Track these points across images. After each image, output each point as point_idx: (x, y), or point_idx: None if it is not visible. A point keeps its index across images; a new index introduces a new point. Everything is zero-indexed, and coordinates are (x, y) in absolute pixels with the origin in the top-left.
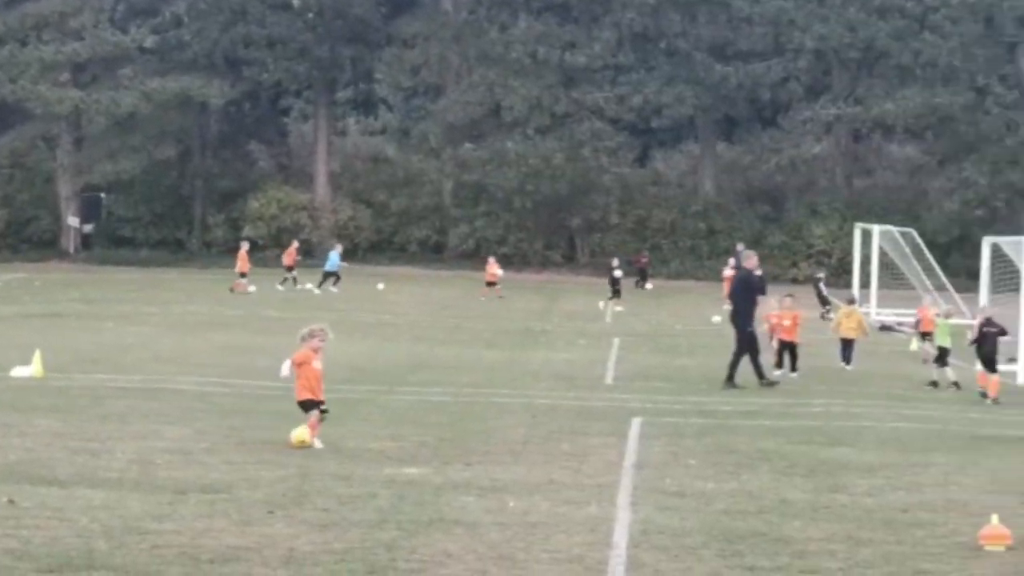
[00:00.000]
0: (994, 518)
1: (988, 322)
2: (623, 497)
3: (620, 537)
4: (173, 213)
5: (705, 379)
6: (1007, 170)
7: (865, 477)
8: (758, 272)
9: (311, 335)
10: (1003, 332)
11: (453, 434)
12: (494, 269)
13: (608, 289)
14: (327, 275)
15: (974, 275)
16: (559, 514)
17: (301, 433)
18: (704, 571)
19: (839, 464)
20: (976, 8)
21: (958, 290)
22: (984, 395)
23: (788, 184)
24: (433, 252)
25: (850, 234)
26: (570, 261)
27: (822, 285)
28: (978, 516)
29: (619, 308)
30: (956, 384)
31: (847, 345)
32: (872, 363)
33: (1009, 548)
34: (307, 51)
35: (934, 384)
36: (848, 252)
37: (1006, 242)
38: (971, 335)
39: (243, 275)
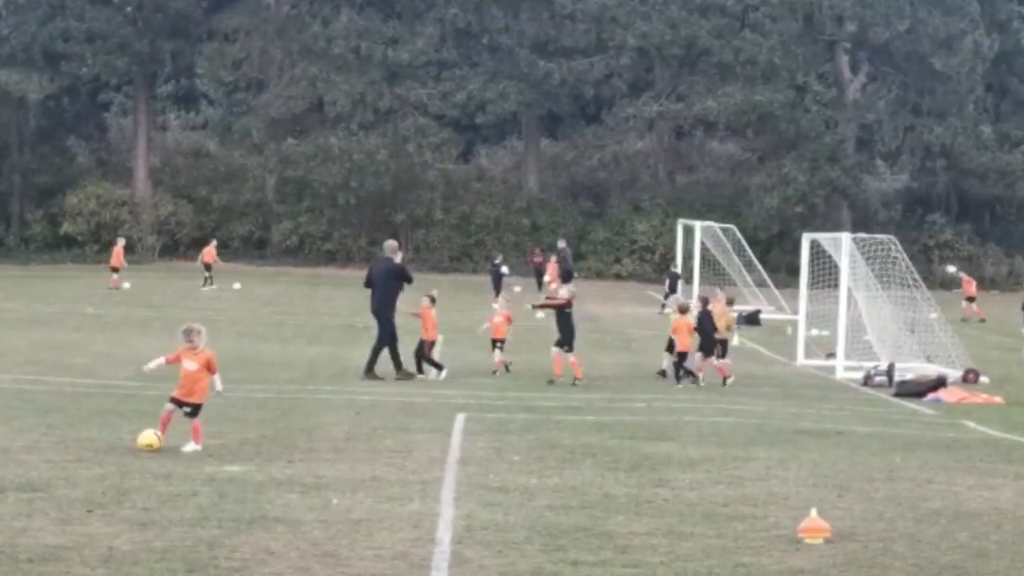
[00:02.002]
0: (813, 511)
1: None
2: (447, 493)
3: (444, 533)
4: None
5: (530, 375)
6: (826, 167)
7: (687, 472)
8: (397, 259)
9: (184, 333)
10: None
11: (275, 431)
12: None
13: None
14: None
15: (794, 271)
16: (382, 511)
17: (146, 437)
18: (527, 566)
19: (662, 459)
20: (796, 7)
21: (778, 286)
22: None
23: (611, 180)
24: (256, 248)
25: (673, 230)
26: None
27: (679, 282)
28: (798, 509)
29: (496, 305)
30: (694, 378)
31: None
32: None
33: (827, 540)
34: (127, 45)
35: (663, 374)
36: (671, 248)
37: (825, 238)
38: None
39: (115, 270)
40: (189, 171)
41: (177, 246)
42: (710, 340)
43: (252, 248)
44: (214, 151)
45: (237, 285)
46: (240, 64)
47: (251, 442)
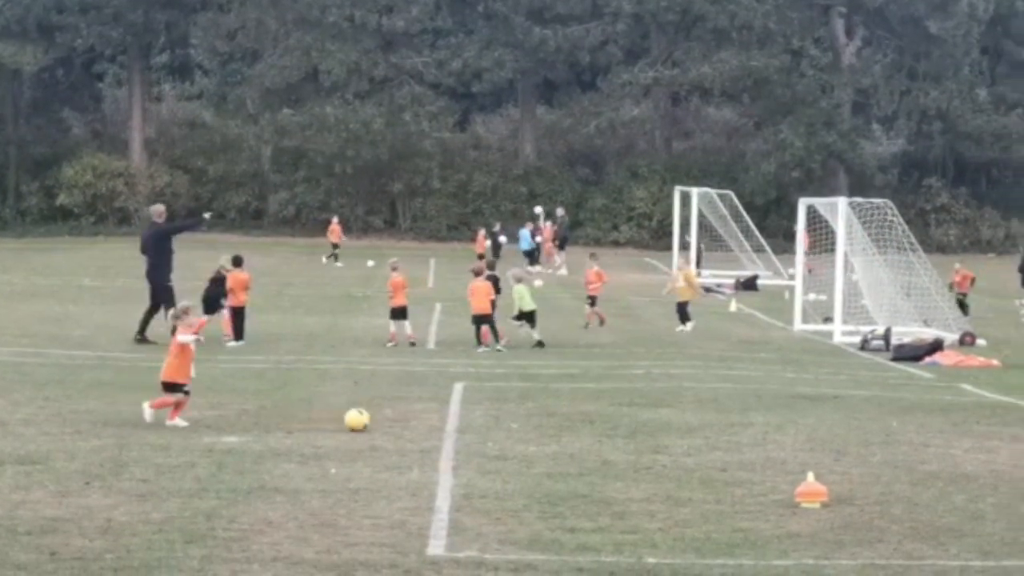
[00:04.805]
0: (810, 475)
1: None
2: (445, 462)
3: (442, 501)
4: None
5: (526, 343)
6: (822, 132)
7: (685, 438)
8: (161, 221)
9: (185, 312)
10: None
11: (274, 402)
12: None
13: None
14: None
15: (791, 236)
16: (381, 480)
17: (354, 418)
18: (526, 533)
19: (660, 425)
20: None
21: (775, 251)
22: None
23: (608, 147)
24: (253, 218)
25: (670, 196)
26: (391, 226)
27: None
28: (795, 474)
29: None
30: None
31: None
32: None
33: (824, 505)
34: (121, 16)
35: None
36: (668, 214)
37: (821, 203)
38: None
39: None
40: (184, 142)
41: (173, 217)
42: None
43: (248, 219)
44: (209, 121)
45: (371, 262)
46: (235, 34)
47: (249, 413)
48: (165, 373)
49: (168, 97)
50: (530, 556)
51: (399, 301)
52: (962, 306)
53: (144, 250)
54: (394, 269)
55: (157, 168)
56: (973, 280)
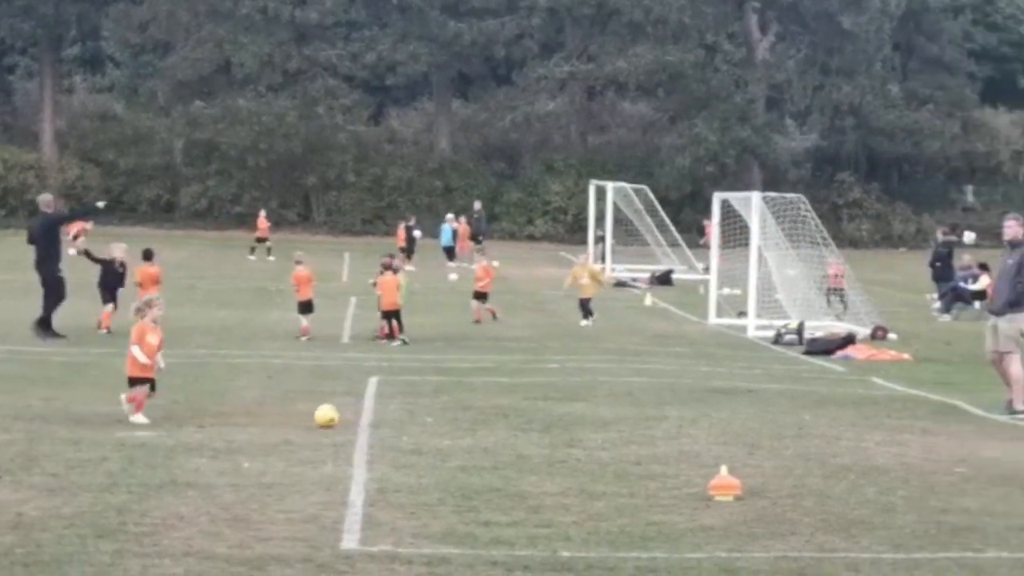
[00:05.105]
0: (723, 469)
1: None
2: (359, 456)
3: (356, 496)
4: None
5: (443, 337)
6: (736, 127)
7: (600, 431)
8: (50, 211)
9: (148, 306)
10: None
11: (186, 396)
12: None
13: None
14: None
15: (703, 231)
16: (295, 474)
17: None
18: (440, 527)
19: (574, 419)
20: None
21: (690, 246)
22: None
23: (524, 141)
24: (164, 211)
25: (585, 191)
26: (305, 220)
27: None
28: (708, 467)
29: (411, 268)
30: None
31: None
32: (606, 319)
33: (737, 498)
34: (32, 8)
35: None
36: (583, 209)
37: (736, 197)
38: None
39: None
40: (96, 134)
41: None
42: None
43: (160, 212)
44: (121, 114)
45: (454, 276)
46: (146, 26)
47: (161, 407)
48: (129, 368)
49: (79, 89)
50: (444, 550)
51: (305, 295)
52: (838, 300)
53: (31, 241)
54: (298, 263)
55: (68, 161)
56: (843, 275)
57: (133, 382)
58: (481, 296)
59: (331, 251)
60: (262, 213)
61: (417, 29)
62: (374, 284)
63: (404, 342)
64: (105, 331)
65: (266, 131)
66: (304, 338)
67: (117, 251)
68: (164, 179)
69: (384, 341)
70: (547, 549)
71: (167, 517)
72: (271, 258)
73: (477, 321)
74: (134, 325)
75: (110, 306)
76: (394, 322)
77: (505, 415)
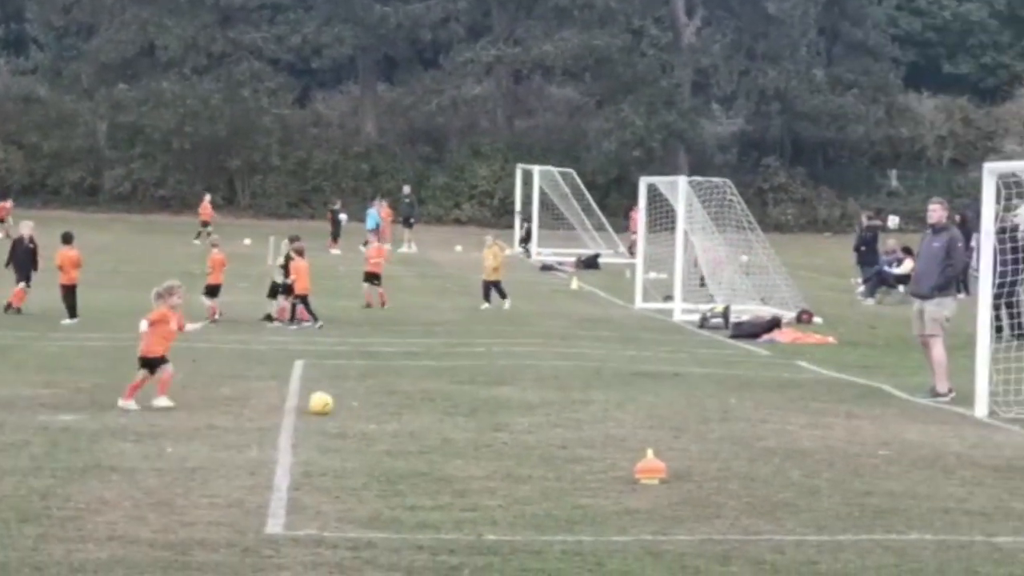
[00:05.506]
0: (649, 452)
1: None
2: (284, 440)
3: (281, 480)
4: None
5: (368, 321)
6: (663, 111)
7: (526, 415)
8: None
9: (169, 292)
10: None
11: (110, 380)
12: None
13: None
14: None
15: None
16: (219, 459)
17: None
18: (365, 511)
19: (500, 403)
20: None
21: (616, 230)
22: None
23: (450, 125)
24: (88, 195)
25: (512, 174)
26: (230, 203)
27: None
28: (634, 451)
29: (336, 251)
30: (270, 317)
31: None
32: (532, 302)
33: (663, 481)
34: None
35: (269, 318)
36: (510, 193)
37: (662, 182)
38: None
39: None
40: (19, 117)
41: (9, 193)
42: None
43: (83, 195)
44: (44, 96)
45: (459, 247)
46: (70, 8)
47: (85, 391)
48: (147, 349)
49: (2, 72)
50: (370, 534)
51: (216, 279)
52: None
53: None
54: (214, 246)
55: None
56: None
57: (147, 362)
58: (373, 278)
59: (256, 234)
60: (206, 197)
61: (343, 12)
62: (283, 267)
63: (320, 326)
64: (15, 311)
65: (190, 114)
66: (215, 318)
67: (24, 228)
68: (88, 162)
69: (281, 324)
70: (473, 533)
71: (91, 501)
72: (197, 241)
73: (367, 305)
74: (154, 310)
75: (22, 284)
76: (300, 306)
77: (431, 399)
